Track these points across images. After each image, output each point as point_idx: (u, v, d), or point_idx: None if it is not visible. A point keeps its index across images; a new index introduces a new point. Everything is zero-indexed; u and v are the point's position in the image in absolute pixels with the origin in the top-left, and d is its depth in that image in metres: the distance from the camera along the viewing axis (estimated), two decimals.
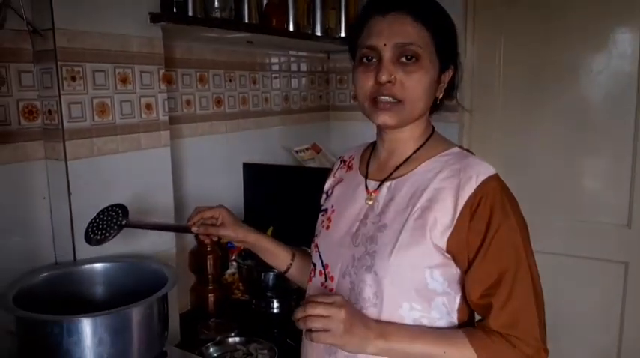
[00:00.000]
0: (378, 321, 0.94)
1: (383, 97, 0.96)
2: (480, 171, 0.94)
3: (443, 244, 0.93)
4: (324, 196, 1.20)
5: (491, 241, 0.91)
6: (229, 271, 1.94)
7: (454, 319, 0.98)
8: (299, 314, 0.89)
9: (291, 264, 1.25)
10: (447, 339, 0.92)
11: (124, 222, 1.21)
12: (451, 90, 1.06)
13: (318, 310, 0.87)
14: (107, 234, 1.20)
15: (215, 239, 1.22)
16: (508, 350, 0.91)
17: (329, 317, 0.87)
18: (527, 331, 0.92)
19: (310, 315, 0.87)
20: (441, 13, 1.01)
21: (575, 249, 2.30)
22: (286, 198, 2.03)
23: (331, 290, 1.04)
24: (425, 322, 0.96)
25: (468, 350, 0.91)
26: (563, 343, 2.27)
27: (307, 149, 2.43)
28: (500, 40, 2.36)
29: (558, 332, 2.26)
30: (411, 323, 0.96)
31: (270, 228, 1.94)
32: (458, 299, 0.98)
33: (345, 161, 1.20)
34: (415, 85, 0.96)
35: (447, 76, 1.03)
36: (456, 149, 1.03)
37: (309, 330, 0.88)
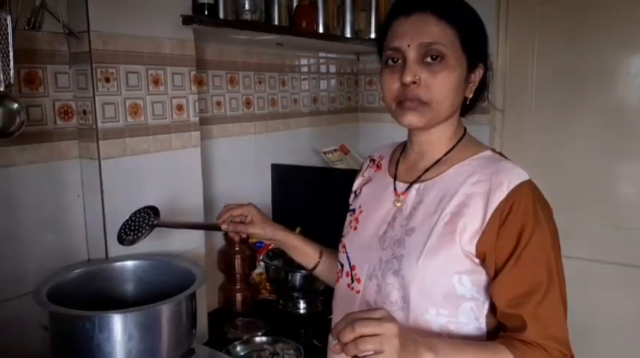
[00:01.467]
0: (420, 334, 0.89)
1: (408, 100, 0.95)
2: (513, 177, 0.92)
3: (472, 249, 0.92)
4: (353, 195, 1.19)
5: (523, 249, 0.89)
6: (257, 271, 1.95)
7: (482, 325, 0.97)
8: (348, 335, 0.75)
9: (319, 262, 1.25)
10: (489, 351, 0.90)
11: (155, 222, 1.24)
12: (482, 90, 1.04)
13: (370, 328, 0.76)
14: (139, 235, 1.22)
15: (244, 236, 1.23)
16: (537, 353, 0.89)
17: (382, 335, 0.75)
18: (560, 340, 0.90)
19: (362, 334, 0.75)
20: (466, 11, 0.99)
21: (609, 255, 2.24)
22: (314, 200, 2.04)
23: (358, 292, 1.04)
24: (452, 328, 0.95)
25: (505, 354, 0.88)
26: (597, 353, 2.22)
27: (335, 150, 2.43)
28: (534, 40, 2.31)
29: (592, 341, 2.21)
30: (438, 329, 0.94)
31: (298, 229, 1.94)
32: (487, 305, 0.96)
33: (374, 160, 1.19)
34: (440, 84, 0.94)
35: (477, 76, 1.01)
36: (489, 152, 1.01)
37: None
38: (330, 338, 0.81)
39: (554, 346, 0.89)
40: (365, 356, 0.76)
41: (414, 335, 0.84)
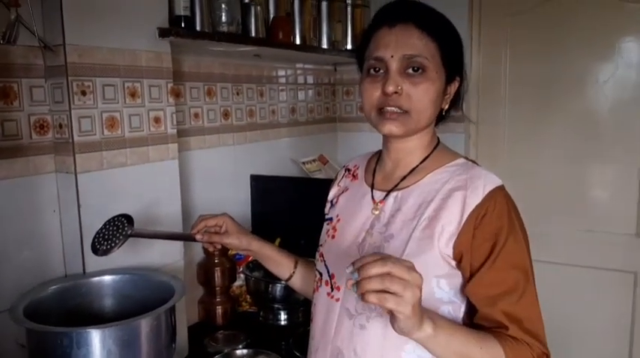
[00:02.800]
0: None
1: (389, 108, 0.97)
2: (488, 182, 0.95)
3: (449, 251, 0.94)
4: (329, 205, 1.21)
5: (499, 251, 0.92)
6: (237, 283, 1.94)
7: None
8: (377, 269, 0.73)
9: (294, 272, 1.25)
10: (480, 336, 0.91)
11: (129, 232, 1.22)
12: (457, 101, 1.07)
13: (401, 271, 0.74)
14: (113, 244, 1.21)
15: (219, 247, 1.23)
16: (527, 352, 0.92)
17: (408, 282, 0.74)
18: (540, 339, 0.93)
19: (390, 273, 0.74)
20: (447, 26, 1.02)
21: (583, 259, 2.29)
22: (293, 210, 2.04)
23: (337, 300, 1.05)
24: None
25: (498, 349, 0.90)
26: (573, 354, 2.26)
27: (314, 160, 2.45)
28: (506, 51, 2.37)
29: (569, 343, 2.25)
30: None
31: (278, 240, 1.94)
32: (463, 308, 0.98)
33: (349, 170, 1.20)
34: (421, 95, 0.97)
35: (453, 87, 1.04)
36: (462, 160, 1.04)
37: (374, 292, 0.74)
38: (348, 270, 0.78)
39: (536, 344, 0.92)
40: (380, 296, 0.74)
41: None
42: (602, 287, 2.27)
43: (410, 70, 0.96)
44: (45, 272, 1.38)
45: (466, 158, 1.05)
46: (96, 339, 1.09)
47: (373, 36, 1.01)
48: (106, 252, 1.22)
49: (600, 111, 2.23)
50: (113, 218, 1.26)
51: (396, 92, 0.96)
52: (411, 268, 0.76)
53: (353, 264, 0.77)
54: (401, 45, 0.96)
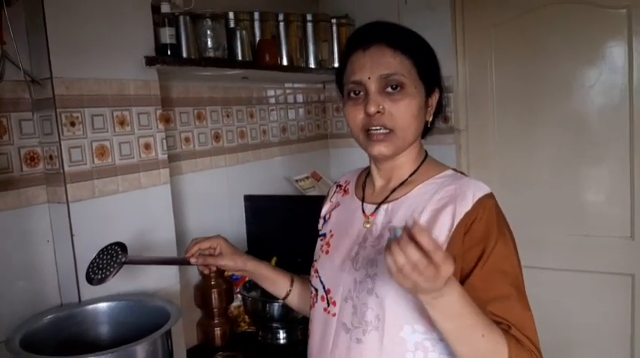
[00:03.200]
0: None
1: (374, 128, 0.99)
2: (477, 190, 0.97)
3: None
4: (322, 221, 1.22)
5: (489, 257, 0.93)
6: (235, 304, 1.94)
7: None
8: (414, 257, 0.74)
9: (290, 290, 1.26)
10: (488, 323, 0.89)
11: (123, 260, 1.23)
12: (439, 111, 1.09)
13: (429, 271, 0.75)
14: (107, 273, 1.22)
15: (214, 269, 1.23)
16: (525, 353, 0.91)
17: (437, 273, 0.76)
18: (535, 343, 0.93)
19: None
20: (419, 41, 1.04)
21: (579, 263, 2.29)
22: (288, 228, 2.05)
23: (334, 315, 1.05)
24: (427, 344, 0.96)
25: (501, 339, 0.88)
26: None
27: (307, 178, 2.46)
28: (491, 60, 2.40)
29: (568, 348, 2.24)
30: (413, 347, 0.96)
31: (274, 259, 1.95)
32: None
33: (340, 186, 1.22)
34: (403, 112, 0.99)
35: (434, 99, 1.06)
36: (450, 171, 1.06)
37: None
38: (390, 233, 0.78)
39: (532, 348, 0.92)
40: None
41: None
42: (600, 290, 2.26)
43: (389, 89, 0.98)
44: (40, 302, 1.39)
45: (455, 169, 1.07)
46: None
47: (349, 60, 1.03)
48: (100, 281, 1.23)
49: (589, 115, 2.25)
50: (106, 246, 1.27)
51: (378, 112, 0.98)
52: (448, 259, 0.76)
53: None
54: (376, 65, 0.98)
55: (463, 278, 0.95)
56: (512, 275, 0.95)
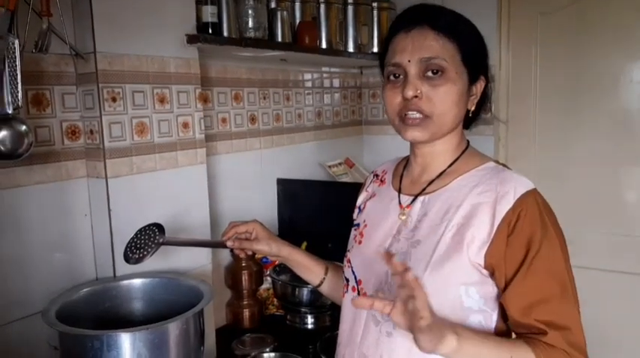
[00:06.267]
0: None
1: (411, 113, 0.96)
2: (518, 186, 0.93)
3: (480, 260, 0.92)
4: (357, 211, 1.20)
5: (533, 258, 0.89)
6: (264, 286, 1.95)
7: None
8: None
9: (324, 279, 1.25)
10: (511, 343, 0.89)
11: (160, 240, 1.24)
12: (484, 102, 1.05)
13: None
14: (145, 253, 1.22)
15: (249, 253, 1.23)
16: (559, 354, 0.89)
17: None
18: (580, 348, 0.90)
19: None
20: (466, 24, 1.00)
21: (618, 264, 2.22)
22: (320, 213, 2.04)
23: None
24: None
25: (530, 356, 0.87)
26: None
27: (340, 164, 2.44)
28: (536, 49, 2.33)
29: (606, 352, 2.18)
30: None
31: (304, 243, 1.94)
32: (495, 316, 0.96)
33: (377, 175, 1.19)
34: (442, 98, 0.95)
35: (479, 88, 1.02)
36: (492, 163, 1.02)
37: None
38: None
39: (575, 354, 0.89)
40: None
41: (440, 318, 0.83)
42: (639, 293, 2.20)
43: (429, 73, 0.95)
44: (76, 275, 1.41)
45: (497, 161, 1.03)
46: (126, 342, 1.10)
47: (391, 42, 1.00)
48: (138, 261, 1.24)
49: (634, 111, 2.17)
50: (145, 227, 1.28)
51: (415, 96, 0.95)
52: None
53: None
54: (417, 48, 0.95)
55: (507, 283, 0.92)
56: (558, 276, 0.91)
